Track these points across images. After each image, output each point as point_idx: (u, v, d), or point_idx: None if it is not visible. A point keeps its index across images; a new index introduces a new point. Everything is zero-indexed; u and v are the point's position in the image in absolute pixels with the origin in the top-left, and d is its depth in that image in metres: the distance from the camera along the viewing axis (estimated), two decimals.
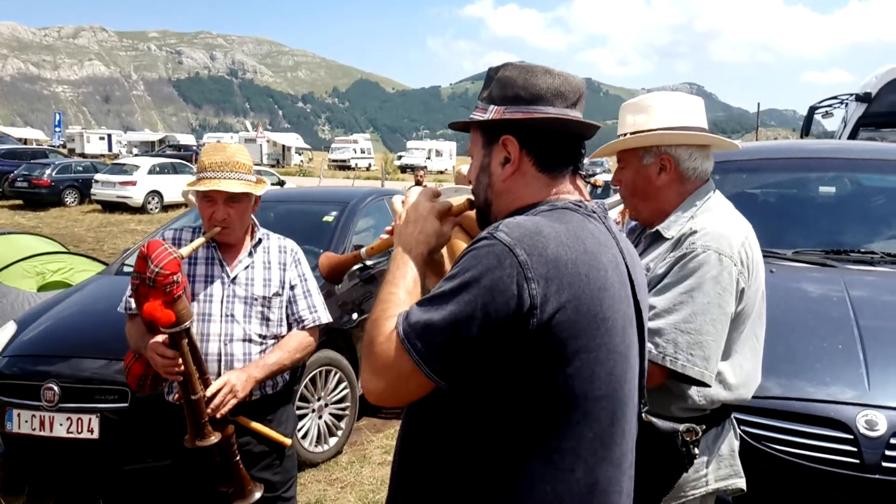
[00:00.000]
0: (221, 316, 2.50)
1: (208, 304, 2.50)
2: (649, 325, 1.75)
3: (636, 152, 1.99)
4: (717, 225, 1.87)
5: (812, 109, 7.91)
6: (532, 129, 1.36)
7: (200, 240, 2.41)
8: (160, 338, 2.28)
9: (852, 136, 6.87)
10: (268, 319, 2.56)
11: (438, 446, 1.31)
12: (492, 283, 1.18)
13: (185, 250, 2.27)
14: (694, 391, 1.84)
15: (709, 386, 1.80)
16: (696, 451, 1.67)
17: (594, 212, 1.36)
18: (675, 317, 1.77)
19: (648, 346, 1.72)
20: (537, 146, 1.37)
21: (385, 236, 1.56)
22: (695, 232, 1.86)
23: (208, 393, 2.33)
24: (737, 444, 2.01)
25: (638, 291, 1.38)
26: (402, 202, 1.49)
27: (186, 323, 2.21)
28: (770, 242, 3.53)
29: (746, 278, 1.85)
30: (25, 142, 45.93)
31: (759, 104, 47.36)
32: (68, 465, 3.95)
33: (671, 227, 1.94)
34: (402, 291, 1.33)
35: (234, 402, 2.38)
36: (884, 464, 2.35)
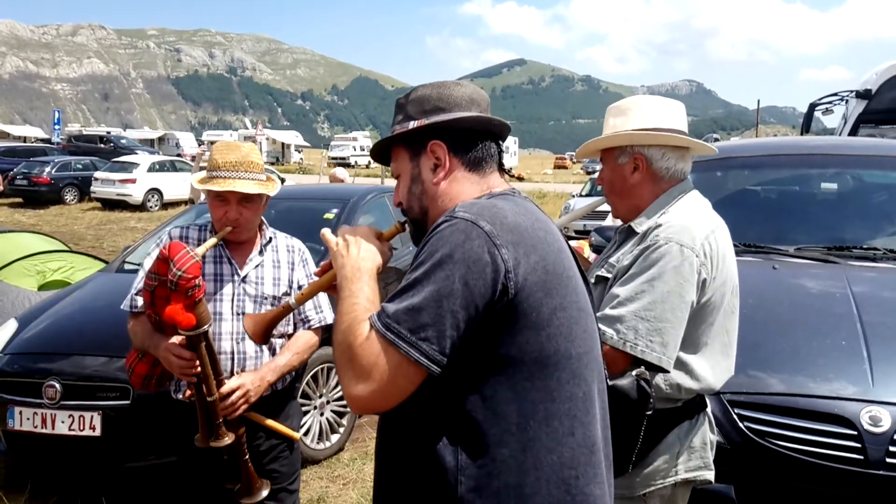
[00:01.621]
0: (233, 314, 2.49)
1: (219, 303, 2.48)
2: (612, 312, 1.86)
3: (613, 152, 2.10)
4: (681, 219, 1.95)
5: (812, 106, 7.91)
6: (456, 132, 1.44)
7: (213, 240, 2.40)
8: (176, 339, 2.27)
9: (853, 132, 6.87)
10: None
11: (426, 438, 1.27)
12: (465, 256, 1.20)
13: (199, 250, 2.26)
14: (660, 379, 1.91)
15: (667, 371, 1.86)
16: (651, 390, 1.74)
17: (526, 198, 1.44)
18: (636, 305, 1.84)
19: (610, 331, 1.84)
20: (463, 147, 1.45)
21: (316, 279, 1.53)
22: (660, 225, 1.94)
23: (223, 392, 2.33)
24: (713, 438, 2.07)
25: (578, 262, 1.45)
26: (332, 235, 1.50)
27: (206, 326, 2.21)
28: (772, 239, 3.53)
29: (710, 269, 1.90)
30: (25, 140, 45.90)
31: (758, 101, 47.37)
32: (70, 462, 3.95)
33: (643, 223, 2.03)
34: (363, 300, 1.31)
35: (245, 406, 2.38)
36: (888, 459, 2.34)
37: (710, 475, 2.04)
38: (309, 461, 4.59)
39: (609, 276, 2.00)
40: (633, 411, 1.72)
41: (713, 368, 1.98)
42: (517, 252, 1.23)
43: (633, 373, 1.73)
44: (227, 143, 2.58)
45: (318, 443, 4.76)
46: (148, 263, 2.46)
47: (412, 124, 1.44)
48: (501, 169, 1.50)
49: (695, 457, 2.01)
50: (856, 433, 2.40)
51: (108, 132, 45.36)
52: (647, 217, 2.03)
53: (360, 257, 1.40)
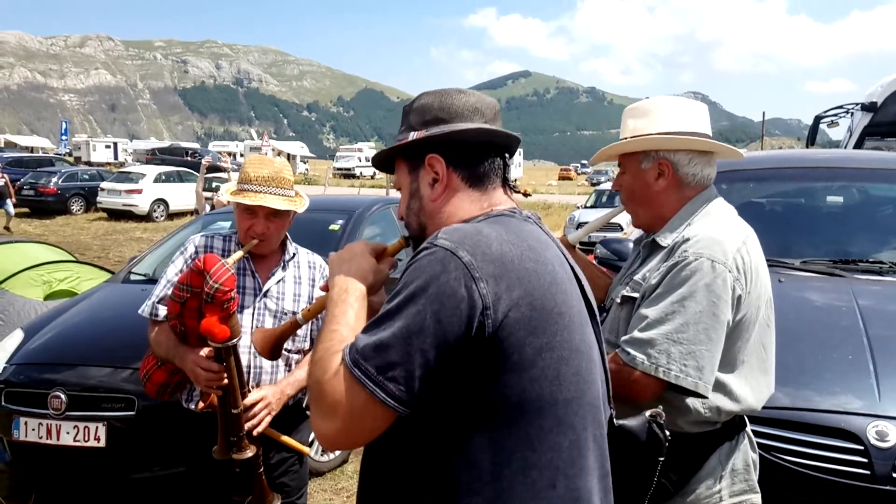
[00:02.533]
0: (252, 328, 2.49)
1: (239, 316, 2.47)
2: (641, 335, 1.75)
3: (636, 157, 1.98)
4: (710, 231, 1.83)
5: (818, 119, 7.90)
6: (456, 144, 1.35)
7: (239, 253, 2.40)
8: (204, 351, 2.28)
9: (858, 145, 6.86)
10: (295, 334, 2.57)
11: (399, 480, 1.23)
12: (439, 290, 1.12)
13: (229, 262, 2.25)
14: (698, 403, 1.79)
15: (705, 397, 1.75)
16: (667, 434, 1.48)
17: (529, 217, 1.36)
18: (667, 327, 1.73)
19: (640, 356, 1.73)
20: (463, 162, 1.36)
21: (322, 293, 1.45)
22: (687, 240, 1.82)
23: (246, 404, 2.33)
24: (754, 457, 1.96)
25: (587, 291, 1.36)
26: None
27: (237, 339, 2.21)
28: (778, 252, 3.52)
29: (744, 285, 1.79)
30: (32, 150, 46.17)
31: (763, 113, 47.37)
32: (75, 473, 3.94)
33: (667, 236, 1.91)
34: (343, 328, 1.25)
35: (269, 418, 2.39)
36: (895, 475, 2.33)
37: (756, 498, 1.92)
38: (313, 473, 4.58)
39: (636, 295, 1.87)
40: (643, 456, 1.48)
41: (752, 387, 1.86)
42: (498, 286, 1.14)
43: (647, 413, 1.47)
44: (260, 157, 2.59)
45: (322, 455, 4.75)
46: (172, 272, 2.46)
47: (412, 135, 1.37)
48: (507, 184, 1.41)
49: (738, 480, 1.89)
50: (862, 448, 2.38)
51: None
52: (672, 229, 1.92)
53: (348, 278, 1.33)
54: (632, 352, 1.73)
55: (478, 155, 1.37)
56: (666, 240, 1.90)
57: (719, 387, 1.79)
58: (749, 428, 1.97)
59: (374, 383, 1.12)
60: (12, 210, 18.75)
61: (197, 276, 2.15)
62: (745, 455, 1.92)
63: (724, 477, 1.86)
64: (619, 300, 1.94)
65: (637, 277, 1.92)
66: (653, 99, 2.02)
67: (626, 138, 1.99)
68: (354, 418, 1.15)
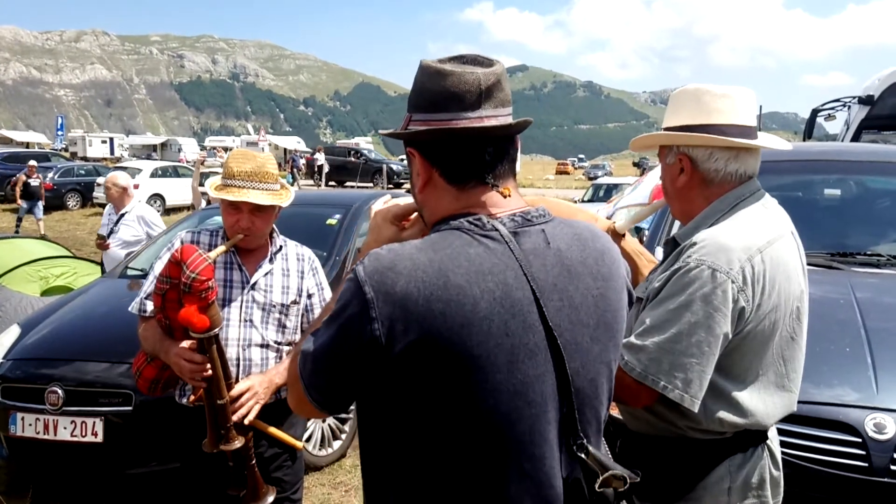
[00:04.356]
0: (240, 321, 2.50)
1: (227, 309, 2.49)
2: (637, 341, 1.67)
3: (664, 150, 1.90)
4: (720, 235, 1.70)
5: (814, 112, 7.90)
6: (430, 140, 1.25)
7: (223, 246, 2.41)
8: (186, 343, 2.28)
9: (855, 138, 6.87)
10: (284, 326, 2.57)
11: (372, 465, 1.31)
12: (346, 320, 1.17)
13: (211, 255, 2.27)
14: (700, 411, 1.69)
15: (692, 411, 1.66)
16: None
17: (495, 229, 1.22)
18: (662, 336, 1.65)
19: (633, 362, 1.65)
20: (440, 157, 1.26)
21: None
22: (694, 244, 1.71)
23: (233, 395, 2.34)
24: (775, 474, 1.83)
25: (555, 314, 1.20)
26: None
27: (218, 328, 2.22)
28: None
29: (749, 297, 1.66)
30: (27, 146, 46.05)
31: (760, 107, 47.37)
32: (72, 468, 3.94)
33: (686, 235, 1.80)
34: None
35: (257, 407, 2.39)
36: (892, 467, 2.33)
37: None
38: (311, 468, 4.58)
39: (643, 296, 1.79)
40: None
41: (765, 403, 1.75)
42: (393, 328, 1.13)
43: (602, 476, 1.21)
44: (243, 151, 2.58)
45: (320, 449, 4.75)
46: (158, 267, 2.47)
47: (405, 120, 1.30)
48: (488, 181, 1.26)
49: (750, 495, 1.77)
50: (860, 440, 2.39)
51: (357, 145, 43.29)
52: (694, 228, 1.81)
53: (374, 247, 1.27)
54: (626, 356, 1.67)
55: (454, 150, 1.25)
56: (683, 239, 1.80)
57: (724, 399, 1.71)
58: (771, 443, 1.84)
59: (304, 386, 1.25)
60: (41, 213, 17.37)
61: (175, 267, 2.17)
62: (762, 471, 1.79)
63: (732, 489, 1.75)
64: (634, 300, 1.87)
65: (651, 277, 1.85)
66: (692, 86, 1.89)
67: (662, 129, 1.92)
68: (300, 401, 1.28)
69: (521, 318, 1.17)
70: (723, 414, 1.72)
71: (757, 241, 1.71)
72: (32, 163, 18.24)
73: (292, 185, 25.53)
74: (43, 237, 15.69)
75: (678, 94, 1.92)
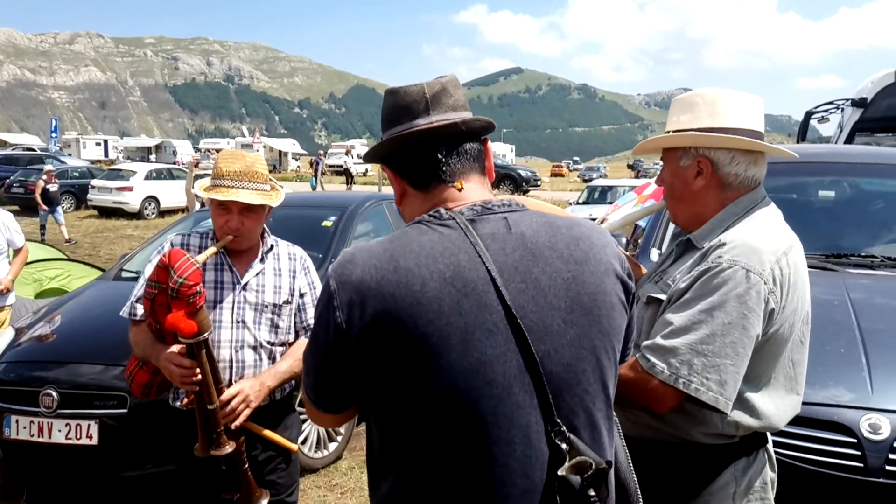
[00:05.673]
0: (232, 322, 2.48)
1: (219, 311, 2.47)
2: (664, 342, 1.64)
3: (675, 153, 1.86)
4: (749, 237, 1.69)
5: (808, 114, 7.93)
6: (391, 154, 1.39)
7: (213, 248, 2.39)
8: (176, 348, 2.27)
9: (848, 140, 6.90)
10: (277, 327, 2.55)
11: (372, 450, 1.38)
12: (318, 315, 1.29)
13: (200, 258, 2.25)
14: (717, 417, 1.69)
15: (725, 414, 1.65)
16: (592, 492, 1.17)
17: (452, 218, 1.27)
18: (692, 336, 1.61)
19: (661, 365, 1.61)
20: (404, 167, 1.37)
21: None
22: (723, 244, 1.69)
23: (223, 399, 2.32)
24: (772, 476, 1.86)
25: (518, 296, 1.21)
26: None
27: (206, 333, 2.20)
28: None
29: (778, 298, 1.66)
30: (18, 148, 45.83)
31: None
32: (67, 471, 3.93)
33: (704, 237, 1.79)
34: None
35: (248, 412, 2.37)
36: (887, 467, 2.34)
37: None
38: (307, 470, 4.57)
39: (663, 297, 1.77)
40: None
41: (777, 405, 1.75)
42: (351, 313, 1.22)
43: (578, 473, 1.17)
44: (232, 152, 2.57)
45: (315, 451, 4.74)
46: (148, 271, 2.46)
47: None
48: (445, 179, 1.33)
49: (754, 498, 1.78)
50: (855, 441, 2.40)
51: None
52: (710, 231, 1.80)
53: None
54: (652, 359, 1.63)
55: (411, 157, 1.35)
56: (702, 242, 1.79)
57: (741, 401, 1.69)
58: (770, 445, 1.86)
59: (304, 388, 1.39)
60: (62, 218, 17.16)
61: (163, 271, 2.15)
62: (764, 473, 1.81)
63: (737, 494, 1.75)
64: (644, 300, 1.84)
65: (667, 278, 1.82)
66: (702, 90, 1.89)
67: (669, 132, 1.89)
68: (308, 409, 1.41)
69: (476, 297, 1.20)
70: (739, 417, 1.70)
71: (781, 245, 1.72)
72: (50, 168, 18.22)
73: (314, 189, 26.07)
74: (68, 241, 15.65)
75: (689, 97, 1.90)
